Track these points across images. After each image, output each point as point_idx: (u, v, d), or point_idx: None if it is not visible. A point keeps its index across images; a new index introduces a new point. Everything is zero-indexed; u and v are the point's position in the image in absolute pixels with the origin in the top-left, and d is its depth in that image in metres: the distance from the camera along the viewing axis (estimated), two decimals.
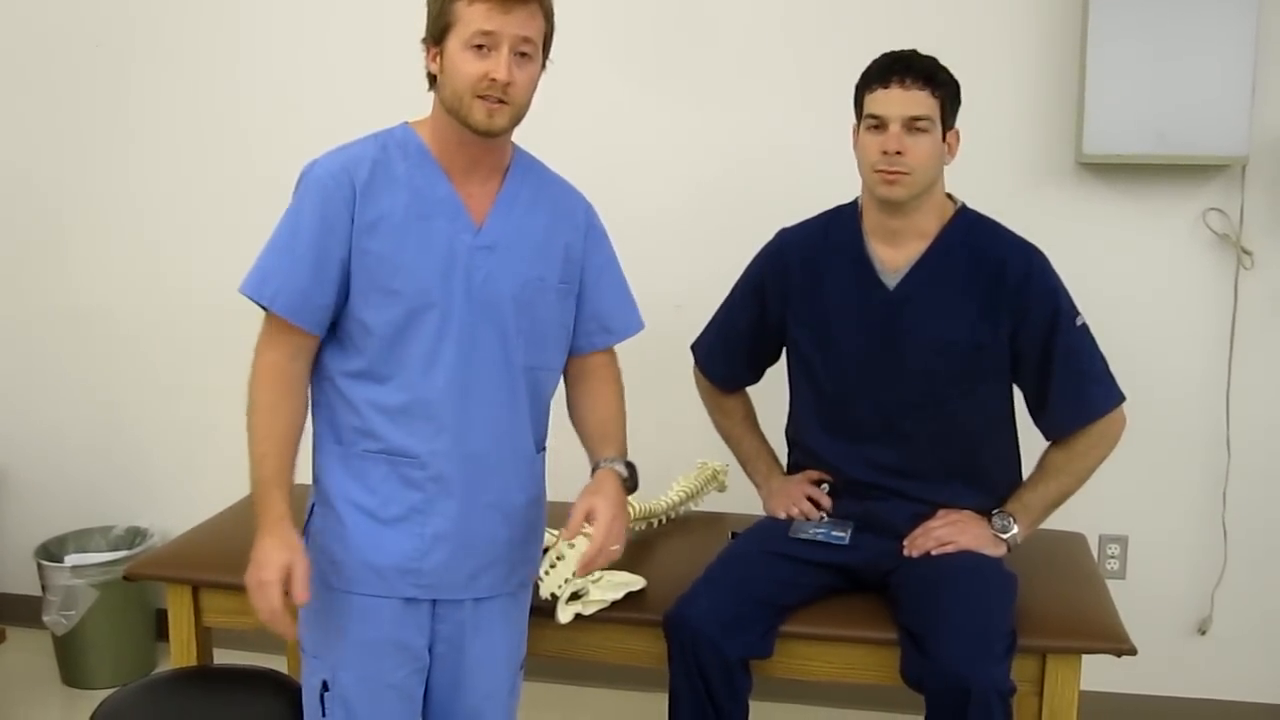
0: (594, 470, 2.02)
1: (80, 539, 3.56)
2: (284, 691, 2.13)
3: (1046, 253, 2.28)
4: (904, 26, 2.95)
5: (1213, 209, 2.93)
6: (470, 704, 2.03)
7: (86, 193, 3.54)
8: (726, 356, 2.53)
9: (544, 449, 2.08)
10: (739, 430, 2.56)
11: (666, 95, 3.14)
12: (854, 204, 2.34)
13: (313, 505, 2.00)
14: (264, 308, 1.88)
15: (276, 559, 1.81)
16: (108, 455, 3.66)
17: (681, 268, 3.17)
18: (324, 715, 1.96)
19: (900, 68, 2.16)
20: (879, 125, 2.17)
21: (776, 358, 2.46)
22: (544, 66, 1.89)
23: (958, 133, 2.23)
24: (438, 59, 1.84)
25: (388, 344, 1.88)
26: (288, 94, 3.34)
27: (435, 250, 1.88)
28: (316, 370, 1.94)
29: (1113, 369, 2.27)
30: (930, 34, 2.92)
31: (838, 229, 2.33)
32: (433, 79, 1.88)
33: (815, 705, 3.22)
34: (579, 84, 3.14)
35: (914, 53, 2.19)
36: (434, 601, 1.97)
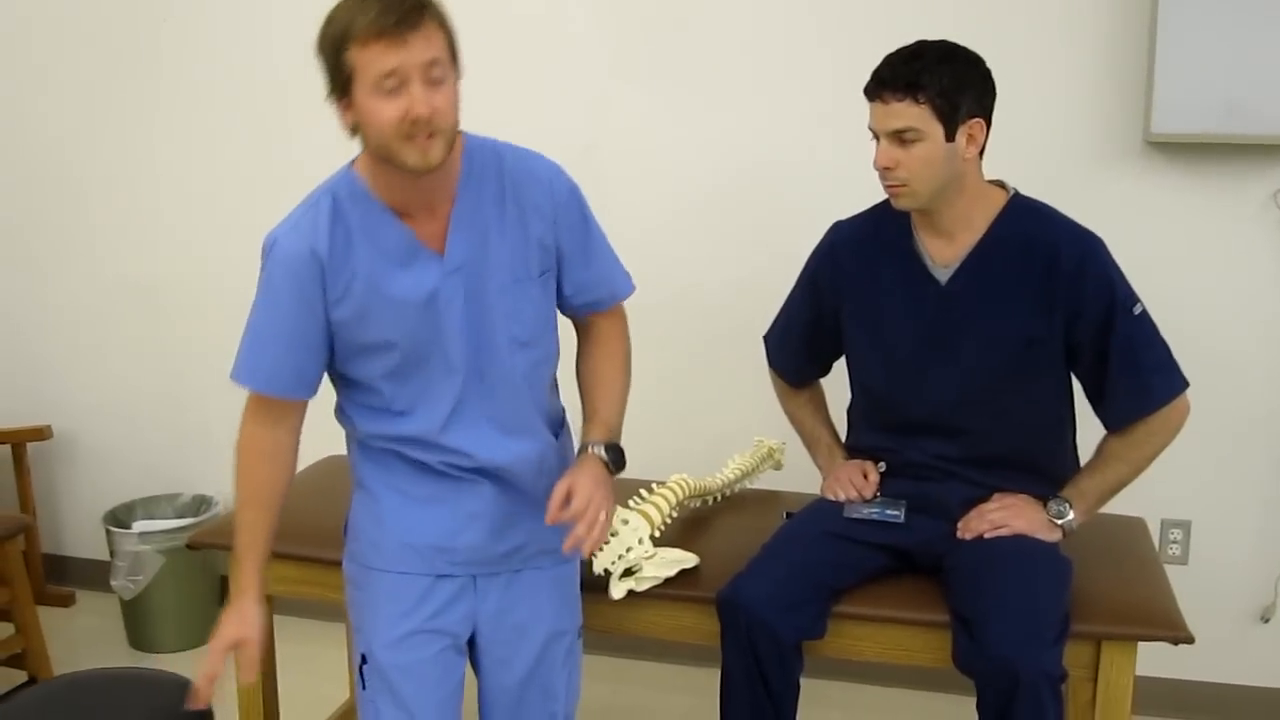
0: (581, 449, 1.99)
1: (148, 506, 3.64)
2: (157, 695, 2.14)
3: (1112, 236, 2.23)
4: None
5: None
6: (524, 674, 2.05)
7: (155, 165, 3.59)
8: (791, 351, 2.53)
9: (563, 425, 2.10)
10: (802, 414, 2.57)
11: (721, 70, 3.13)
12: None
13: (354, 492, 2.06)
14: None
15: (228, 632, 1.91)
16: (175, 424, 3.73)
17: (738, 242, 3.16)
18: (364, 687, 2.01)
19: (878, 82, 2.10)
20: (875, 137, 2.15)
21: (840, 352, 2.45)
22: (459, 76, 1.77)
23: (980, 123, 2.13)
24: (349, 110, 1.74)
25: (391, 388, 1.90)
26: None
27: (409, 297, 1.84)
28: (338, 401, 2.00)
29: (1179, 353, 2.22)
30: (987, 8, 2.90)
31: (888, 223, 2.30)
32: (354, 128, 1.77)
33: (867, 684, 3.22)
34: (628, 66, 3.14)
35: (897, 59, 2.11)
36: (474, 577, 2.00)
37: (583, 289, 2.03)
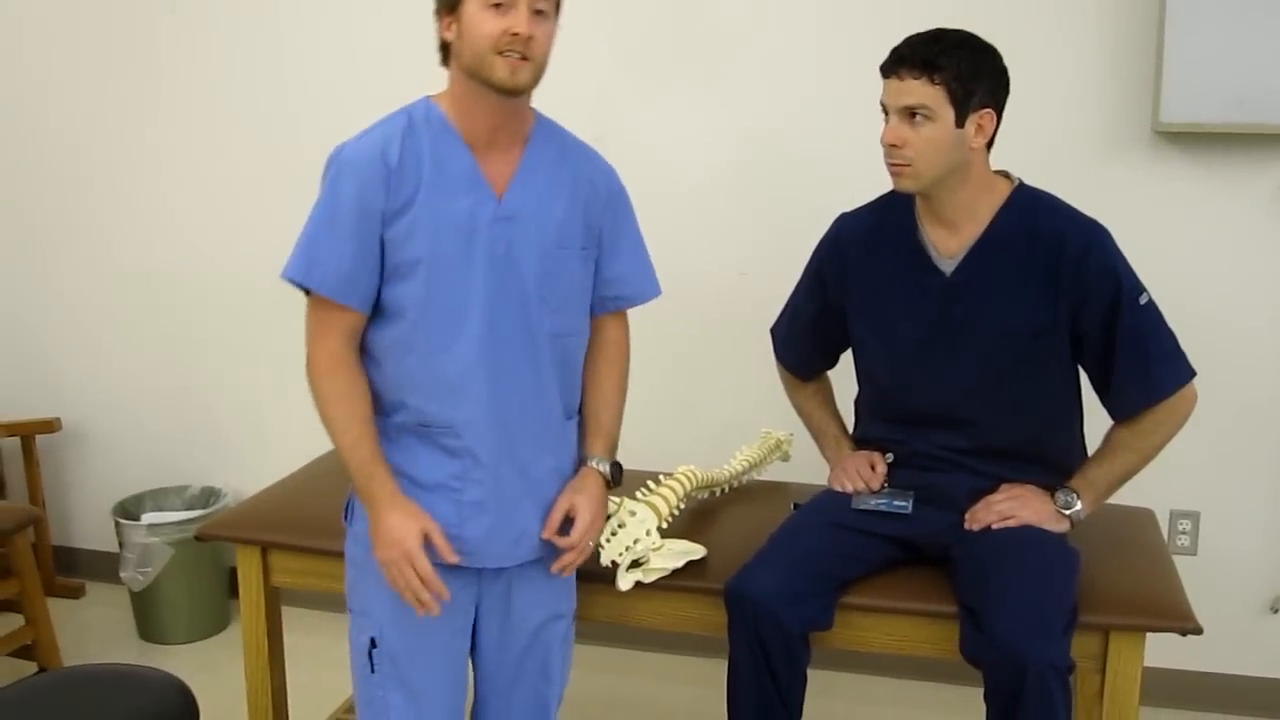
0: (581, 462, 2.07)
1: (156, 498, 3.64)
2: (145, 692, 2.09)
3: (1120, 225, 2.22)
4: None
5: None
6: (520, 655, 2.09)
7: (163, 157, 3.60)
8: (797, 343, 2.53)
9: (574, 416, 2.11)
10: (809, 406, 2.57)
11: (730, 59, 3.12)
12: None
13: None
14: (308, 293, 1.92)
15: (412, 528, 1.87)
16: (184, 416, 3.73)
17: (745, 232, 3.16)
18: (373, 672, 2.00)
19: (897, 58, 2.11)
20: (885, 116, 2.14)
21: (846, 344, 2.45)
22: (556, 26, 1.89)
23: (991, 114, 2.13)
24: (453, 26, 1.85)
25: (416, 318, 1.91)
26: (355, 56, 3.37)
27: (458, 225, 1.89)
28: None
29: (1186, 342, 2.21)
30: None
31: (893, 215, 2.30)
32: (444, 51, 1.90)
33: (874, 675, 3.22)
34: (634, 51, 3.14)
35: (920, 39, 2.11)
36: (479, 572, 2.01)
37: (615, 281, 2.09)
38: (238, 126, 3.51)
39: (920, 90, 2.08)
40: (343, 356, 1.93)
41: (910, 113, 2.09)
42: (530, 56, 1.82)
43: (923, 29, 2.14)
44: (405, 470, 1.97)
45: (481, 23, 1.80)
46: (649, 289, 2.15)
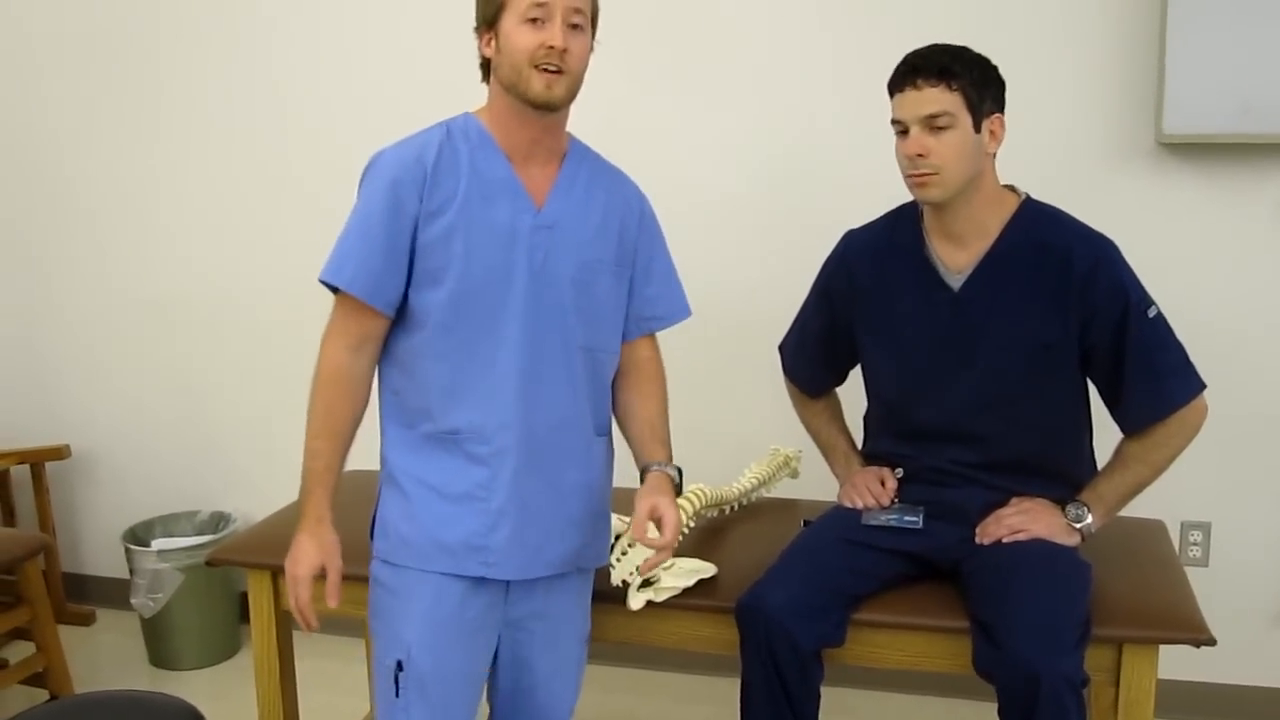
0: (645, 471, 2.05)
1: (166, 523, 3.65)
2: (157, 718, 2.06)
3: (1125, 237, 2.23)
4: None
5: None
6: (537, 680, 2.09)
7: (173, 182, 3.61)
8: (806, 360, 2.53)
9: (607, 434, 2.11)
10: (818, 422, 2.57)
11: (735, 78, 3.13)
12: (915, 204, 2.31)
13: (380, 488, 2.05)
14: (335, 291, 1.94)
15: (310, 558, 1.92)
16: (193, 441, 3.74)
17: (754, 250, 3.17)
18: (398, 695, 1.99)
19: (910, 69, 2.13)
20: (903, 130, 2.15)
21: (855, 360, 2.46)
22: (593, 43, 1.94)
23: (1001, 119, 2.17)
24: (492, 42, 1.90)
25: (451, 323, 1.92)
26: (353, 81, 3.38)
27: (497, 230, 1.92)
28: (383, 352, 2.00)
29: (1195, 354, 2.21)
30: (996, 6, 2.90)
31: (900, 231, 2.31)
32: (485, 67, 1.95)
33: (888, 691, 3.21)
34: (649, 73, 3.15)
35: (929, 50, 2.15)
36: (507, 585, 2.01)
37: (649, 302, 2.12)
38: (242, 150, 3.52)
39: (940, 97, 2.11)
40: (349, 368, 1.95)
41: (931, 121, 2.11)
42: (566, 69, 1.86)
43: (938, 45, 2.17)
44: (430, 481, 1.97)
45: (518, 37, 1.85)
46: (681, 310, 2.18)
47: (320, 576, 1.94)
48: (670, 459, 2.08)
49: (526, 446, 1.96)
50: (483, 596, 1.99)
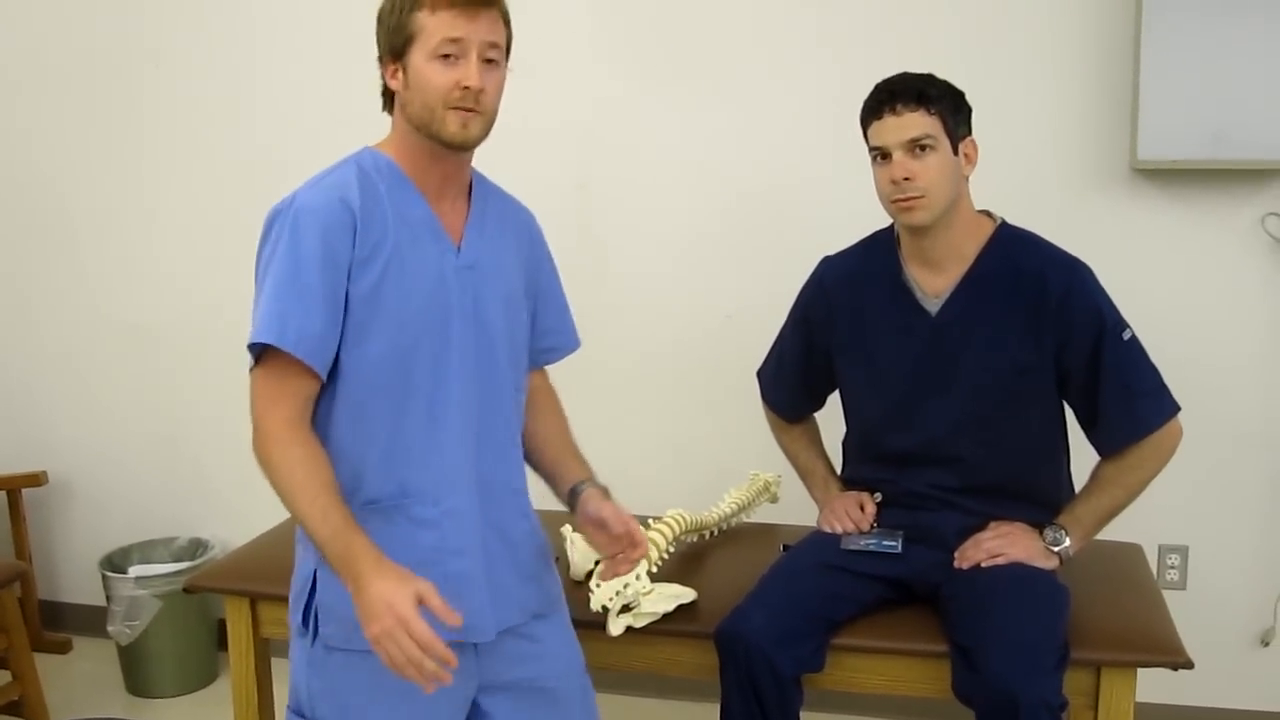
0: (577, 492, 1.92)
1: (144, 550, 3.62)
2: None
3: (1100, 262, 2.25)
4: (944, 26, 2.95)
5: (1271, 213, 2.88)
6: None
7: (149, 209, 3.60)
8: (784, 386, 2.54)
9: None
10: (797, 447, 2.58)
11: (710, 104, 3.15)
12: (890, 229, 2.33)
13: (314, 571, 1.83)
14: (257, 359, 1.74)
15: (404, 591, 1.57)
16: (170, 468, 3.72)
17: (733, 278, 3.18)
18: None
19: (888, 95, 2.15)
20: (884, 156, 2.17)
21: (834, 386, 2.47)
22: (506, 73, 1.82)
23: (974, 141, 2.21)
24: (398, 75, 1.77)
25: (387, 379, 1.77)
26: (337, 106, 3.38)
27: (428, 274, 1.79)
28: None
29: (1171, 377, 2.23)
30: (971, 34, 2.94)
31: (876, 257, 2.33)
32: (388, 98, 1.83)
33: (867, 716, 3.20)
34: (627, 95, 3.17)
35: (902, 76, 2.18)
36: (475, 645, 1.86)
37: (549, 333, 2.03)
38: (224, 175, 3.52)
39: (921, 121, 2.13)
40: (299, 424, 1.74)
41: (914, 145, 2.13)
42: (481, 109, 1.75)
43: (911, 57, 2.23)
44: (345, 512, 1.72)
45: (432, 75, 1.72)
46: (573, 341, 2.08)
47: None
48: (593, 476, 1.96)
49: (477, 502, 1.84)
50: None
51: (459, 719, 1.90)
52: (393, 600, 1.56)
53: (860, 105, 2.22)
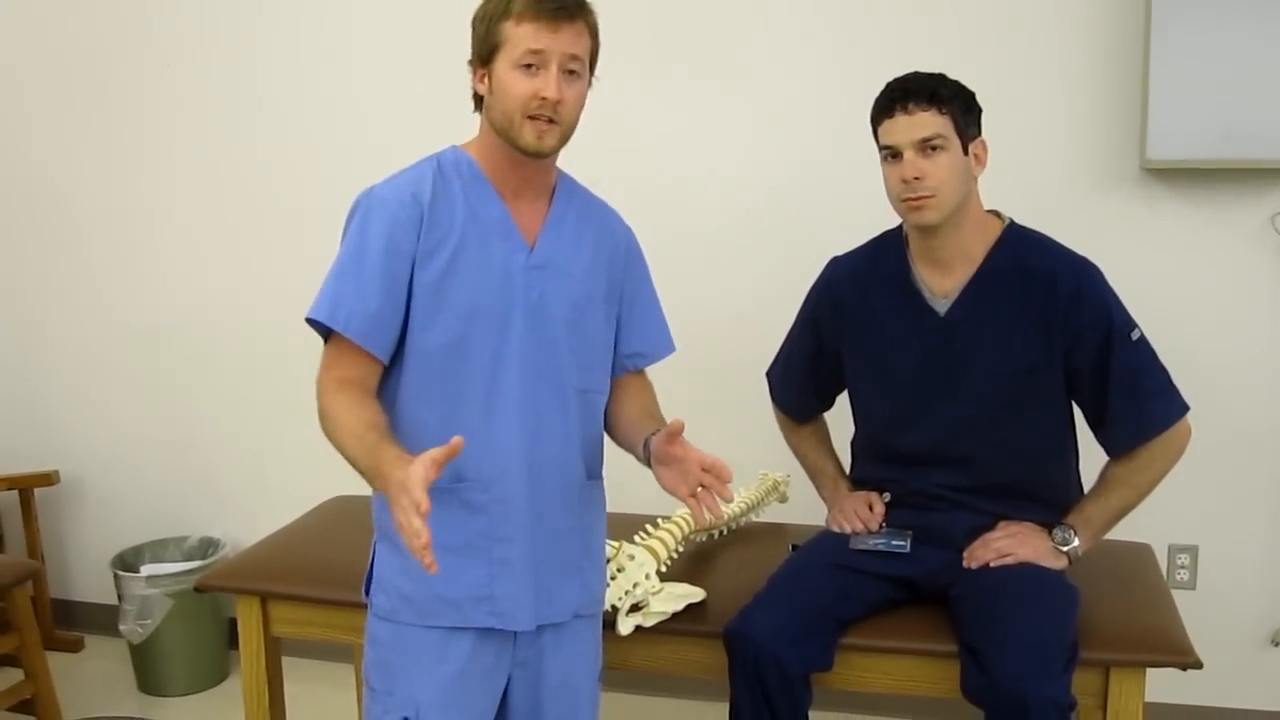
0: (649, 444, 1.89)
1: (155, 549, 3.64)
2: None
3: (1110, 262, 2.25)
4: (954, 26, 2.95)
5: None
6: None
7: (159, 208, 3.62)
8: (793, 386, 2.55)
9: (599, 476, 2.05)
10: (806, 447, 2.58)
11: (720, 105, 3.15)
12: (899, 230, 2.33)
13: (375, 544, 1.96)
14: (326, 335, 1.85)
15: (410, 472, 1.57)
16: (182, 467, 3.73)
17: (743, 278, 3.18)
18: None
19: (900, 94, 2.16)
20: (894, 155, 2.17)
21: (842, 386, 2.47)
22: (590, 84, 1.89)
23: (984, 142, 2.21)
24: (485, 80, 1.84)
25: (448, 367, 1.85)
26: (344, 110, 3.39)
27: (493, 270, 1.86)
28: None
29: (1180, 377, 2.23)
30: (980, 34, 2.93)
31: (885, 257, 2.33)
32: (478, 100, 1.89)
33: (876, 716, 3.20)
34: (639, 100, 3.17)
35: (914, 75, 2.18)
36: (515, 635, 1.93)
37: (635, 338, 2.08)
38: (232, 176, 3.53)
39: (932, 120, 2.13)
40: (350, 383, 1.81)
41: (925, 144, 2.14)
42: (558, 120, 1.81)
43: (921, 56, 2.23)
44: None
45: (512, 84, 1.79)
46: (666, 346, 2.13)
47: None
48: (665, 424, 1.95)
49: (526, 492, 1.89)
50: (491, 646, 1.91)
51: (495, 700, 1.96)
52: (404, 479, 1.57)
53: (869, 105, 2.22)
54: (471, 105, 1.91)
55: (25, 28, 3.62)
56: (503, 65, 1.80)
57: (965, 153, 2.17)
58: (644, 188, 3.20)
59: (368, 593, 1.97)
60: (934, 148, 2.14)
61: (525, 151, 1.83)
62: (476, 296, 1.85)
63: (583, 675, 2.05)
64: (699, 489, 1.81)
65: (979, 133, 2.21)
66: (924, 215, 2.18)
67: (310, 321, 1.85)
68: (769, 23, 3.10)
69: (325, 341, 1.87)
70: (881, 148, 2.20)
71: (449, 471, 1.81)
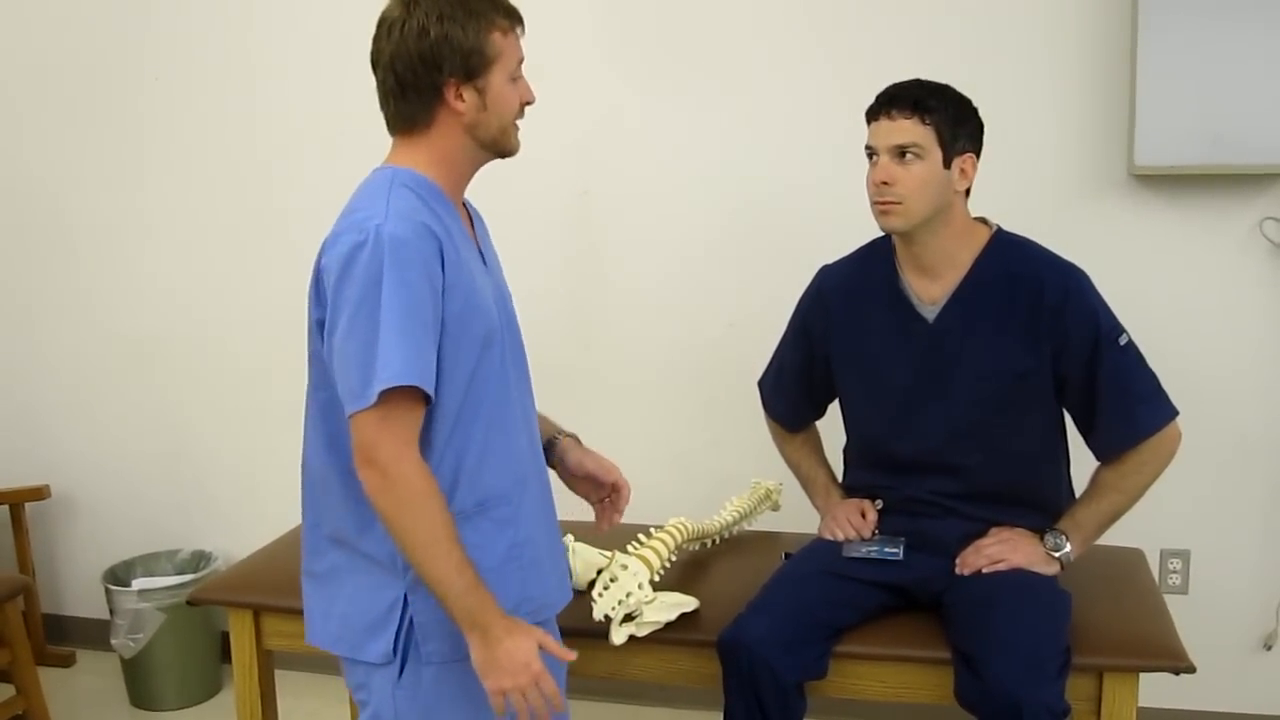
0: (553, 444, 2.09)
1: (147, 563, 3.62)
2: None
3: (1099, 268, 2.26)
4: (944, 32, 2.96)
5: (1269, 218, 2.89)
6: None
7: (148, 222, 3.61)
8: (785, 395, 2.55)
9: None
10: (798, 456, 2.59)
11: (713, 112, 3.16)
12: (888, 239, 2.34)
13: (401, 596, 1.81)
14: (378, 395, 1.66)
15: (531, 648, 1.71)
16: (173, 480, 3.72)
17: (734, 287, 3.18)
18: None
19: (887, 99, 2.17)
20: (872, 157, 2.19)
21: (833, 394, 2.48)
22: None
23: (973, 160, 2.20)
24: (463, 96, 1.77)
25: (477, 391, 1.81)
26: (338, 122, 3.39)
27: (486, 290, 1.85)
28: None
29: (1168, 382, 2.24)
30: (969, 40, 2.94)
31: (874, 264, 2.34)
32: (415, 119, 1.81)
33: None
34: (629, 102, 3.17)
35: (909, 82, 2.19)
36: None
37: None
38: (225, 190, 3.53)
39: (912, 129, 2.14)
40: (430, 471, 1.74)
41: (900, 151, 2.14)
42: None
43: (911, 65, 2.22)
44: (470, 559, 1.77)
45: (510, 94, 1.82)
46: None
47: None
48: (561, 428, 2.13)
49: (537, 494, 1.94)
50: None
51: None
52: (529, 659, 1.71)
53: (861, 114, 2.23)
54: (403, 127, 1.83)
55: (19, 42, 3.61)
56: (499, 78, 1.80)
57: (948, 166, 2.17)
58: (636, 194, 3.21)
59: (395, 649, 1.83)
60: (909, 156, 2.14)
61: (511, 154, 1.88)
62: (487, 319, 1.82)
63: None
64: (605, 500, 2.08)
65: (972, 149, 2.20)
66: (889, 220, 2.19)
67: (385, 389, 1.68)
68: (762, 29, 3.10)
69: (372, 404, 1.67)
70: (866, 147, 2.22)
71: (481, 494, 1.83)
